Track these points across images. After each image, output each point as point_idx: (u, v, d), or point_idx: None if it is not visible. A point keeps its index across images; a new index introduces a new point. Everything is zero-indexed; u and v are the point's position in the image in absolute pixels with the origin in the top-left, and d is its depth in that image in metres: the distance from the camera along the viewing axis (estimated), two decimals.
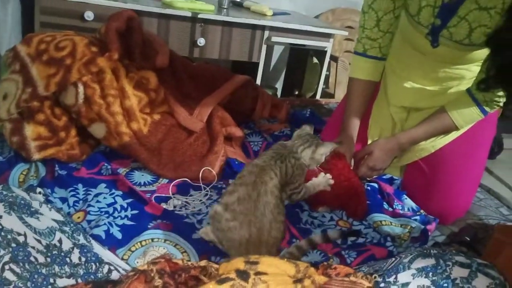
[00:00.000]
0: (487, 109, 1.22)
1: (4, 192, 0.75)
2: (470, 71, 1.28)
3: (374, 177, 1.39)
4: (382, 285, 0.74)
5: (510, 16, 1.04)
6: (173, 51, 1.54)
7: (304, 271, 0.73)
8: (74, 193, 1.10)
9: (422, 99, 1.35)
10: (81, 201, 1.08)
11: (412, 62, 1.34)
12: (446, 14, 1.15)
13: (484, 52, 1.19)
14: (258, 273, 0.70)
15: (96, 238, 0.92)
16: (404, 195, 1.38)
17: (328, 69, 2.62)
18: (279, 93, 2.90)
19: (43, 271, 0.66)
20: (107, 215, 1.04)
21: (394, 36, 1.34)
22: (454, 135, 1.34)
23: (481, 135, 1.36)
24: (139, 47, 1.39)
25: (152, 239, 0.98)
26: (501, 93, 1.18)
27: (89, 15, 1.86)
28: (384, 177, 1.45)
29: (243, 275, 0.69)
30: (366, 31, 1.28)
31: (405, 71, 1.37)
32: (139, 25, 1.41)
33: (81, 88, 1.24)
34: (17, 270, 0.63)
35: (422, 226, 1.19)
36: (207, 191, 1.21)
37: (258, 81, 2.35)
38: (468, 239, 1.19)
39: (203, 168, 1.25)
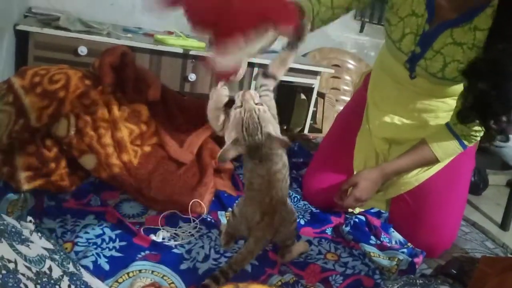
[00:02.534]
0: (465, 142, 1.26)
1: None
2: (446, 103, 1.33)
3: (359, 208, 1.41)
4: None
5: (487, 48, 1.10)
6: (165, 85, 1.57)
7: None
8: (62, 223, 1.09)
9: (402, 132, 1.40)
10: (69, 232, 1.07)
11: (391, 93, 1.40)
12: (425, 43, 1.21)
13: (458, 88, 1.25)
14: None
15: (85, 269, 0.91)
16: (391, 228, 1.40)
17: (315, 105, 2.68)
18: None
19: None
20: (95, 246, 1.03)
21: (374, 67, 1.38)
22: (435, 168, 1.37)
23: (461, 167, 1.40)
24: (132, 81, 1.42)
25: (140, 271, 0.97)
26: (477, 128, 1.22)
27: (82, 50, 1.91)
28: (371, 210, 1.47)
29: None
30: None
31: (384, 102, 1.42)
32: (132, 60, 1.45)
33: (73, 120, 1.26)
34: None
35: (410, 259, 1.20)
36: (196, 223, 1.21)
37: None
38: (455, 271, 1.20)
39: (193, 200, 1.25)
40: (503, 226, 2.58)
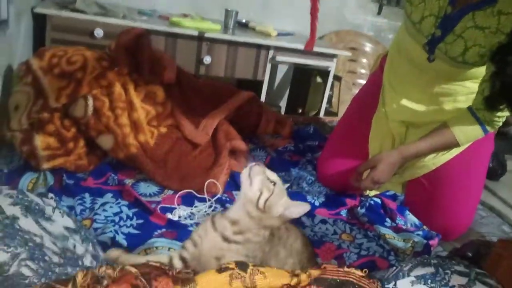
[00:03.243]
0: (488, 128, 1.23)
1: (20, 196, 0.78)
2: (465, 87, 1.30)
3: (375, 190, 1.40)
4: None
5: None
6: (180, 67, 1.58)
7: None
8: (81, 201, 1.12)
9: (419, 115, 1.37)
10: (87, 210, 1.10)
11: (408, 77, 1.37)
12: (446, 26, 1.18)
13: (478, 71, 1.22)
14: (256, 265, 0.71)
15: (103, 244, 0.94)
16: (407, 211, 1.39)
17: (331, 89, 2.66)
18: (282, 111, 2.93)
19: (57, 270, 0.68)
20: (113, 223, 1.05)
21: (391, 49, 1.36)
22: (454, 152, 1.35)
23: (480, 151, 1.38)
24: (148, 62, 1.43)
25: (157, 247, 0.99)
26: (500, 113, 1.19)
27: (98, 32, 1.92)
28: (387, 193, 1.46)
29: (242, 265, 0.71)
30: None
31: (401, 85, 1.40)
32: (148, 42, 1.46)
33: (90, 101, 1.27)
34: (33, 266, 0.65)
35: (425, 241, 1.20)
36: (212, 202, 1.22)
37: (263, 99, 2.39)
38: (471, 254, 1.20)
39: (208, 180, 1.27)
40: None
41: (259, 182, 0.84)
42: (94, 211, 1.08)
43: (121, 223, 1.07)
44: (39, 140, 1.21)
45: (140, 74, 1.41)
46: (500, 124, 1.24)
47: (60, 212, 0.84)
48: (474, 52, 1.17)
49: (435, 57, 1.25)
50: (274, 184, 0.84)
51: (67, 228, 0.82)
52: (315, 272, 0.73)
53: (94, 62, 1.34)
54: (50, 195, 0.88)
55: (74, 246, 0.78)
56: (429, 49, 1.25)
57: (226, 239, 0.84)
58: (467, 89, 1.31)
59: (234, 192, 1.30)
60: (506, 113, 1.21)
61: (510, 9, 1.08)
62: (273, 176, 0.87)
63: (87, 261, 0.78)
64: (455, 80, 1.30)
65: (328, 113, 2.69)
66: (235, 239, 0.84)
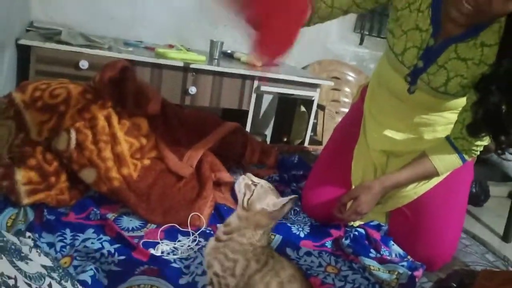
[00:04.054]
0: (466, 157, 1.26)
1: None
2: (444, 117, 1.33)
3: (358, 221, 1.41)
4: None
5: (497, 63, 1.10)
6: (165, 99, 1.59)
7: None
8: (61, 238, 1.10)
9: (399, 145, 1.40)
10: (68, 246, 1.07)
11: (388, 106, 1.40)
12: (429, 57, 1.21)
13: (457, 102, 1.25)
14: None
15: (83, 283, 0.91)
16: (391, 241, 1.39)
17: (316, 117, 2.69)
18: (268, 139, 2.95)
19: None
20: (94, 260, 1.03)
21: (372, 79, 1.38)
22: (434, 181, 1.37)
23: (460, 180, 1.40)
24: (132, 95, 1.44)
25: (139, 285, 0.97)
26: (478, 142, 1.22)
27: (83, 64, 1.92)
28: (371, 223, 1.47)
29: None
30: None
31: (382, 115, 1.42)
32: (133, 74, 1.47)
33: (73, 134, 1.27)
34: None
35: (409, 272, 1.20)
36: (195, 236, 1.21)
37: (248, 128, 2.40)
38: (455, 285, 1.20)
39: (192, 214, 1.26)
40: (505, 237, 2.58)
41: (243, 186, 0.94)
42: (74, 248, 1.06)
43: (102, 259, 1.04)
44: (20, 175, 1.19)
45: (124, 106, 1.41)
46: (478, 153, 1.27)
47: (37, 251, 0.82)
48: (456, 82, 1.20)
49: (416, 88, 1.28)
50: (255, 185, 0.93)
51: (44, 267, 0.80)
52: None
53: (77, 95, 1.33)
54: (28, 234, 0.87)
55: (50, 286, 0.76)
56: (411, 80, 1.28)
57: (217, 239, 0.93)
58: (446, 120, 1.34)
59: (218, 225, 1.28)
60: (484, 142, 1.24)
61: (492, 41, 1.12)
62: (257, 179, 0.96)
63: None
64: (434, 111, 1.33)
65: (313, 141, 2.71)
66: (222, 238, 0.92)
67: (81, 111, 1.31)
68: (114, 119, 1.35)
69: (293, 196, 0.93)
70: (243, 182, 0.94)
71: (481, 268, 1.35)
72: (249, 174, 0.97)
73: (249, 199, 0.92)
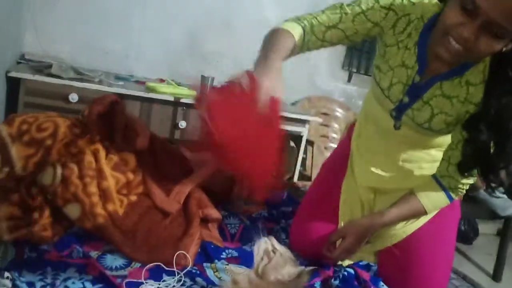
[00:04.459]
0: (452, 195, 1.26)
1: None
2: (430, 154, 1.35)
3: (348, 260, 1.39)
4: None
5: (484, 102, 1.12)
6: (154, 133, 1.58)
7: None
8: (42, 277, 1.06)
9: (386, 182, 1.40)
10: (48, 286, 1.03)
11: (375, 143, 1.41)
12: (414, 93, 1.23)
13: (442, 139, 1.27)
14: None
15: None
16: (381, 282, 1.37)
17: (305, 152, 2.70)
18: None
19: None
20: None
21: (359, 116, 1.40)
22: (423, 220, 1.37)
23: (448, 218, 1.40)
24: (121, 129, 1.43)
25: None
26: (465, 180, 1.23)
27: (73, 97, 1.92)
28: (360, 263, 1.45)
29: None
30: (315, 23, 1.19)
31: (368, 151, 1.43)
32: (122, 109, 1.47)
33: (59, 169, 1.25)
34: None
35: None
36: (181, 276, 1.18)
37: None
38: None
39: (178, 252, 1.23)
40: (495, 277, 2.55)
41: (262, 250, 0.89)
42: (55, 287, 1.02)
43: None
44: (2, 210, 1.16)
45: (112, 141, 1.40)
46: (464, 191, 1.28)
47: None
48: (440, 119, 1.21)
49: (401, 124, 1.30)
50: (275, 252, 0.89)
51: None
52: None
53: (65, 129, 1.33)
54: (6, 274, 0.83)
55: None
56: (396, 115, 1.29)
57: None
58: (431, 157, 1.35)
59: (204, 264, 1.26)
60: (470, 181, 1.25)
61: (478, 80, 1.14)
62: (278, 246, 0.91)
63: None
64: (420, 148, 1.35)
65: (302, 176, 2.71)
66: None
67: (68, 145, 1.30)
68: (102, 154, 1.34)
69: (311, 268, 0.89)
70: (263, 246, 0.90)
71: None
72: (272, 238, 0.92)
73: (265, 265, 0.87)
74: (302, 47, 1.20)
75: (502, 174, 1.14)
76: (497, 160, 1.12)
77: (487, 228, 3.11)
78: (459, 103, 1.18)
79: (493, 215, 2.49)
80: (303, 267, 0.86)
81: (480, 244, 2.77)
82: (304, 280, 0.88)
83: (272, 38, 1.10)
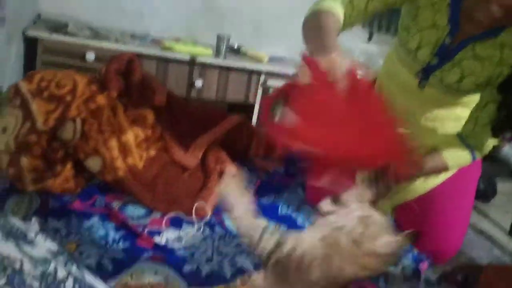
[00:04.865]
0: (477, 154, 1.25)
1: (1, 220, 0.77)
2: (454, 113, 1.31)
3: None
4: None
5: None
6: (171, 91, 1.59)
7: None
8: (66, 224, 1.10)
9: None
10: (73, 233, 1.08)
11: (397, 102, 1.38)
12: (444, 55, 1.19)
13: (469, 98, 1.23)
14: None
15: (88, 268, 0.91)
16: None
17: None
18: None
19: None
20: (98, 246, 1.04)
21: (380, 75, 1.37)
22: (443, 176, 1.36)
23: (468, 176, 1.39)
24: (138, 86, 1.44)
25: (143, 271, 0.97)
26: (490, 141, 1.21)
27: (90, 56, 1.93)
28: None
29: None
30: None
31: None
32: (139, 66, 1.47)
33: (79, 124, 1.27)
34: None
35: (415, 265, 1.19)
36: (200, 226, 1.21)
37: (254, 123, 2.40)
38: (460, 279, 1.19)
39: (197, 203, 1.26)
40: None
41: (356, 217, 0.79)
42: (80, 234, 1.06)
43: (107, 246, 1.05)
44: (26, 162, 1.19)
45: (130, 97, 1.42)
46: (488, 151, 1.26)
47: (43, 235, 0.82)
48: (470, 81, 1.18)
49: (427, 84, 1.26)
50: (370, 219, 0.79)
51: (49, 251, 0.80)
52: None
53: (83, 86, 1.34)
54: (34, 218, 0.87)
55: (56, 270, 0.76)
56: (423, 76, 1.26)
57: None
58: (456, 116, 1.32)
59: (223, 215, 1.29)
60: (495, 141, 1.23)
61: None
62: (373, 212, 0.82)
63: (69, 285, 0.76)
64: (444, 106, 1.32)
65: None
66: None
67: (87, 101, 1.31)
68: (120, 109, 1.36)
69: (409, 231, 0.79)
70: (355, 211, 0.79)
71: (488, 263, 1.34)
72: (366, 204, 0.82)
73: (361, 233, 0.76)
74: (346, 25, 1.16)
75: None
76: None
77: (506, 187, 3.08)
78: (492, 65, 1.14)
79: None
80: (400, 236, 0.77)
81: (498, 203, 2.75)
82: (402, 248, 0.80)
83: (316, 23, 1.05)
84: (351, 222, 0.77)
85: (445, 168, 1.28)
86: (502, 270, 1.16)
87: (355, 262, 0.75)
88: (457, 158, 1.26)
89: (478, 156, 1.26)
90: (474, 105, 1.24)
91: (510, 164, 2.40)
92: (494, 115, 1.18)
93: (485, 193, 2.76)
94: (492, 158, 2.33)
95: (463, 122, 1.27)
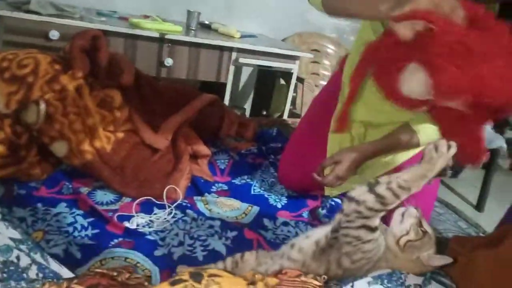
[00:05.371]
0: None
1: None
2: None
3: (336, 191, 1.42)
4: None
5: None
6: (139, 70, 1.54)
7: (257, 276, 0.74)
8: (33, 212, 1.07)
9: (378, 115, 1.39)
10: (40, 221, 1.05)
11: (367, 77, 1.39)
12: None
13: None
14: (211, 275, 0.70)
15: (54, 257, 0.90)
16: None
17: (295, 90, 2.68)
18: (247, 113, 2.93)
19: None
20: (66, 234, 1.01)
21: (352, 50, 1.36)
22: (412, 152, 1.38)
23: None
24: (104, 65, 1.39)
25: (113, 258, 0.96)
26: None
27: (54, 34, 1.85)
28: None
29: (196, 276, 0.69)
30: None
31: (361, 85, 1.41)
32: (105, 43, 1.42)
33: (42, 106, 1.22)
34: None
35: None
36: (172, 209, 1.20)
37: (227, 102, 2.38)
38: None
39: (168, 186, 1.24)
40: (478, 207, 2.64)
41: (409, 224, 0.86)
42: (46, 222, 1.04)
43: (76, 233, 1.03)
44: None
45: (96, 77, 1.37)
46: None
47: (5, 224, 0.80)
48: None
49: None
50: (425, 233, 0.86)
51: (12, 239, 0.78)
52: (271, 281, 0.72)
53: (46, 65, 1.28)
54: None
55: (18, 258, 0.74)
56: None
57: None
58: None
59: (195, 198, 1.28)
60: None
61: None
62: (427, 227, 0.88)
63: (33, 273, 0.75)
64: None
65: (292, 114, 2.70)
66: None
67: (50, 82, 1.26)
68: (86, 90, 1.31)
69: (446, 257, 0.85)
70: (411, 219, 0.86)
71: (453, 235, 1.39)
72: (419, 211, 0.89)
73: (409, 241, 0.84)
74: None
75: None
76: None
77: None
78: None
79: None
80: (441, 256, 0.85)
81: (465, 177, 2.84)
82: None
83: None
84: (401, 225, 0.86)
85: (416, 143, 1.30)
86: (467, 240, 1.21)
87: (398, 261, 0.84)
88: (428, 133, 1.28)
89: None
90: None
91: None
92: None
93: (453, 169, 2.84)
94: None
95: None
